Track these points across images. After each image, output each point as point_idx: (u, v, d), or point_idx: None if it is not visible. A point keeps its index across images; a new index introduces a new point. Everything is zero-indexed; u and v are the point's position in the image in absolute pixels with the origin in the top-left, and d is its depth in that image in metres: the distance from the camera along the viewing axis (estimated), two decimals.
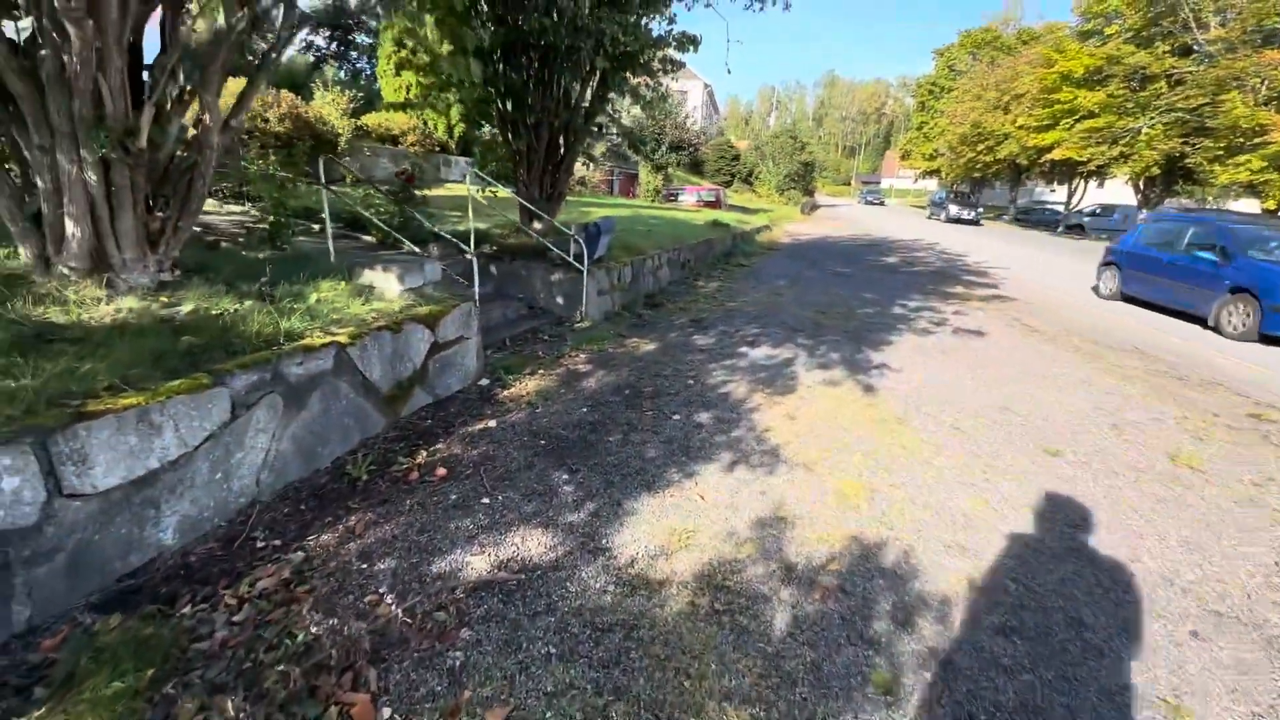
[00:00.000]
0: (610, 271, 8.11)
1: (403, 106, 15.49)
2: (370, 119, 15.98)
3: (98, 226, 3.42)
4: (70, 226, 3.36)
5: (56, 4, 2.71)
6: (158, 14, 3.76)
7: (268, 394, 3.16)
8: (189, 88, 3.68)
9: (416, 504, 3.24)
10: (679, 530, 3.11)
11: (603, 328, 7.21)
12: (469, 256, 5.34)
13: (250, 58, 3.99)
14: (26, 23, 3.11)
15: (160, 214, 3.76)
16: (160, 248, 3.80)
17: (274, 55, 3.80)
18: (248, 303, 3.78)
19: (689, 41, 8.50)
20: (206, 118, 3.63)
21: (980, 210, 35.06)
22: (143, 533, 2.61)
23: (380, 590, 2.57)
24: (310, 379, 3.43)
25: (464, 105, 9.01)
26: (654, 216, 17.16)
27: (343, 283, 4.43)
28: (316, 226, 7.80)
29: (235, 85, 11.24)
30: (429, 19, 5.47)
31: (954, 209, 33.64)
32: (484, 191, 9.51)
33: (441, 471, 3.55)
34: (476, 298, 5.23)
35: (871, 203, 55.38)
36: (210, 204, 8.38)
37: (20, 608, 2.23)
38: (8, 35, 2.95)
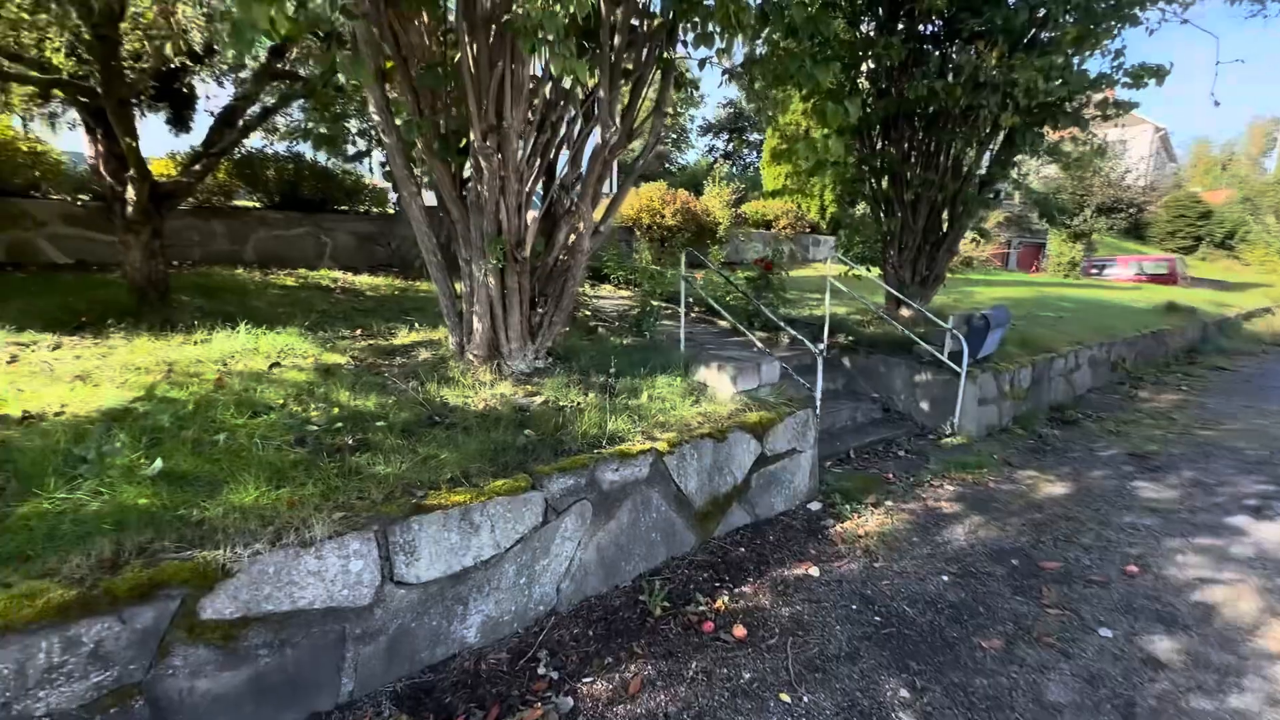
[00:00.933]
0: (1000, 374, 6.36)
1: (776, 194, 16.17)
2: (749, 207, 17.18)
3: (494, 322, 4.00)
4: (476, 322, 4.02)
5: (475, 145, 3.25)
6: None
7: (579, 500, 3.06)
8: (575, 200, 4.12)
9: (701, 672, 2.64)
10: None
11: (982, 449, 5.57)
12: (815, 353, 4.72)
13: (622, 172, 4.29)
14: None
15: (540, 310, 4.24)
16: (537, 339, 4.28)
17: (639, 162, 3.98)
18: (591, 395, 3.90)
19: (1148, 74, 6.29)
20: (581, 225, 3.97)
21: None
22: (450, 627, 2.68)
23: None
24: (623, 487, 3.25)
25: (835, 185, 8.62)
26: (1068, 298, 13.61)
27: (678, 379, 4.31)
28: (683, 310, 8.33)
29: (651, 189, 13.42)
30: (796, 103, 5.26)
31: None
32: (847, 273, 8.87)
33: (740, 632, 2.89)
34: (817, 405, 4.52)
35: None
36: (607, 289, 9.89)
37: (346, 680, 2.43)
38: (452, 170, 3.71)
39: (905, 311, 7.53)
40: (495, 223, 3.55)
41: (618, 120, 3.60)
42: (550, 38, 2.30)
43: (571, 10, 2.28)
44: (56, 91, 5.08)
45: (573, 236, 4.11)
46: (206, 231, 8.23)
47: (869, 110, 6.74)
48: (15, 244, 7.18)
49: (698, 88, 4.51)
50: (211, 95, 6.83)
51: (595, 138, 3.72)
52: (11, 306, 5.04)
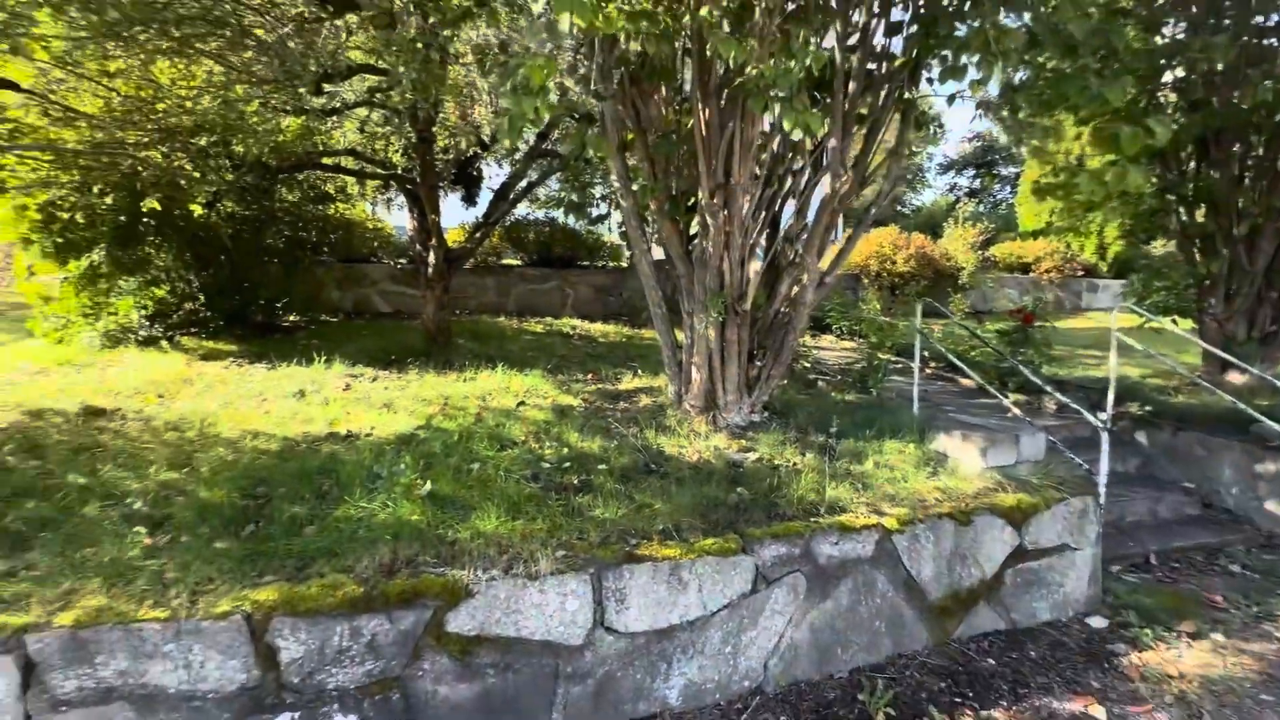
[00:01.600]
0: None
1: (1037, 234, 13.93)
2: (998, 249, 15.09)
3: (711, 373, 4.03)
4: (695, 373, 4.08)
5: (703, 203, 3.35)
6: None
7: (792, 572, 2.84)
8: (800, 252, 4.00)
9: None
10: None
11: None
12: (1098, 425, 3.81)
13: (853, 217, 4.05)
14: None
15: (758, 363, 4.16)
16: (755, 392, 4.18)
17: (873, 210, 3.71)
18: (809, 456, 3.66)
19: None
20: (804, 278, 3.82)
21: None
22: (652, 683, 2.65)
23: None
24: (842, 564, 2.94)
25: (1123, 220, 7.10)
26: None
27: (911, 445, 3.82)
28: (916, 365, 7.53)
29: (882, 234, 12.64)
30: (1070, 129, 4.43)
31: None
32: (1142, 325, 7.14)
33: None
34: (1100, 491, 3.63)
35: None
36: (829, 340, 9.41)
37: (557, 716, 2.53)
38: (680, 228, 3.87)
39: (1235, 377, 5.78)
40: (718, 276, 3.61)
41: (849, 169, 3.43)
42: (782, 94, 2.28)
43: (807, 63, 2.24)
44: (392, 181, 6.63)
45: (795, 288, 3.98)
46: (480, 286, 9.87)
47: (1177, 128, 5.46)
48: (358, 298, 9.42)
49: (941, 125, 4.12)
50: (493, 175, 8.29)
51: (824, 187, 3.58)
52: (351, 345, 6.56)
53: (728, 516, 2.98)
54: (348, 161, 6.18)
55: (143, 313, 6.47)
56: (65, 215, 5.34)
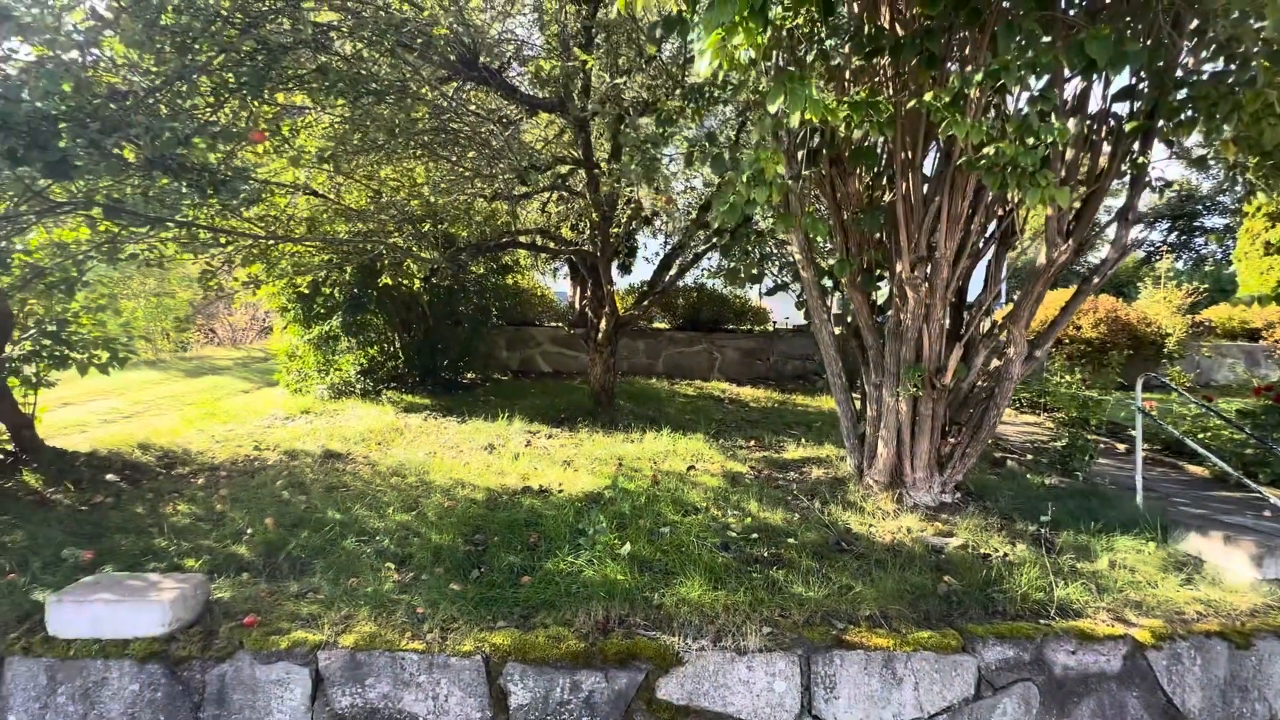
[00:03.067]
0: None
1: (1270, 299, 11.82)
2: (1214, 312, 12.99)
3: (900, 449, 3.83)
4: (880, 447, 3.91)
5: (903, 276, 3.30)
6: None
7: (1022, 681, 2.53)
8: (999, 322, 3.76)
9: None
10: None
11: None
12: None
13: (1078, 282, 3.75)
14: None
15: (952, 439, 3.90)
16: (947, 470, 3.91)
17: (1095, 280, 3.41)
18: (1020, 547, 3.32)
19: None
20: (1011, 350, 3.57)
21: None
22: None
23: None
24: (1083, 679, 2.57)
25: None
26: None
27: (1151, 544, 3.32)
28: (1122, 447, 6.60)
29: (1059, 296, 11.50)
30: None
31: None
32: None
33: None
34: None
35: None
36: (1006, 413, 8.57)
37: None
38: (869, 299, 3.82)
39: None
40: (915, 349, 3.48)
41: (1066, 239, 3.21)
42: (1028, 170, 2.23)
43: (1052, 140, 2.19)
44: (573, 255, 7.32)
45: (995, 361, 3.73)
46: (632, 349, 10.32)
47: None
48: (524, 358, 10.26)
49: (1170, 187, 3.73)
50: (645, 243, 8.83)
51: (1039, 254, 3.38)
52: (524, 402, 7.12)
53: (939, 609, 2.76)
54: (539, 240, 6.92)
55: (358, 369, 7.57)
56: (324, 290, 6.49)
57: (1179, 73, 2.85)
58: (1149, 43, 2.60)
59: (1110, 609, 2.78)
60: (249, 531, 3.33)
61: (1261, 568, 3.01)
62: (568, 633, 2.48)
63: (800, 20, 2.80)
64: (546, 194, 6.91)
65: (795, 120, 2.27)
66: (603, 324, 6.64)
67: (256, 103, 3.06)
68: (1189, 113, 2.70)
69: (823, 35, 2.74)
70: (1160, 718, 2.61)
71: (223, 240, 4.24)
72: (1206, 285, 14.53)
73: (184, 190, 2.99)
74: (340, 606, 2.58)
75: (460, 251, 5.57)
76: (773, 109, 2.28)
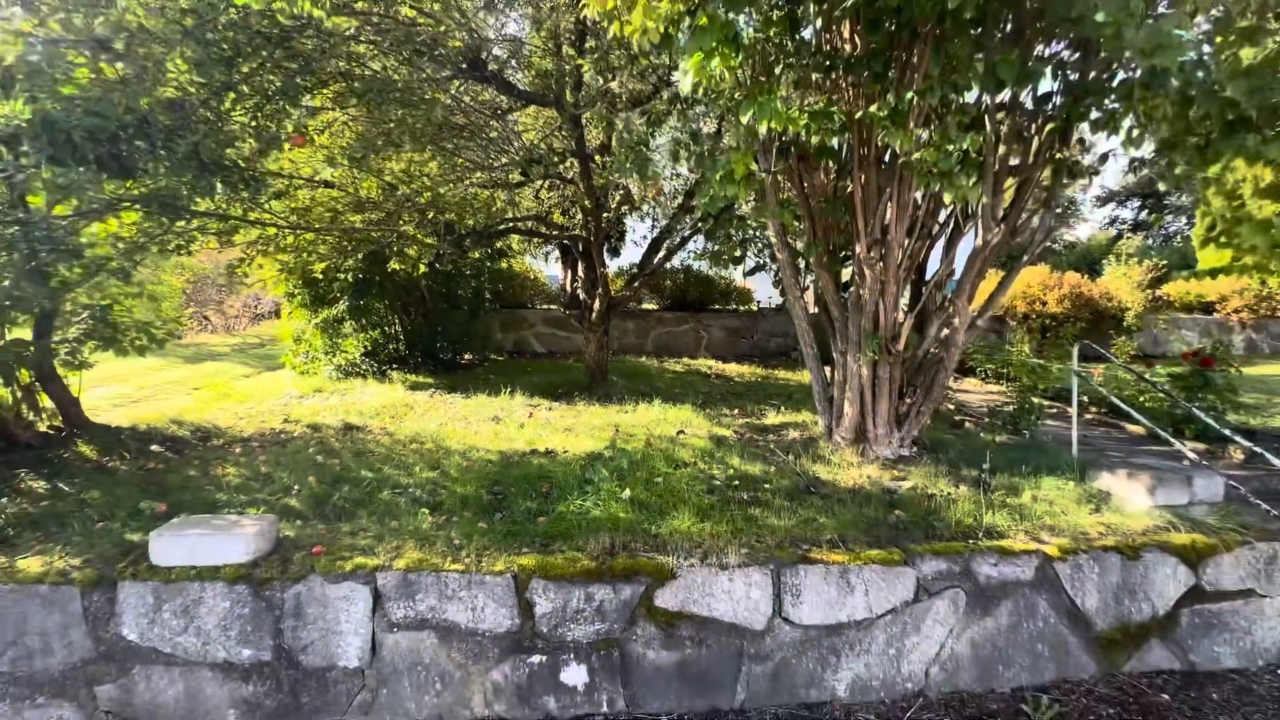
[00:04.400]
0: None
1: (1218, 272, 12.51)
2: (1171, 288, 13.71)
3: (863, 408, 4.38)
4: (846, 407, 4.46)
5: (861, 256, 3.81)
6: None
7: (952, 587, 3.11)
8: (949, 296, 4.30)
9: None
10: None
11: None
12: None
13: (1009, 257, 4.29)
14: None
15: (908, 400, 4.45)
16: (904, 427, 4.47)
17: (1024, 259, 3.95)
18: (962, 488, 3.89)
19: None
20: (956, 321, 4.11)
21: None
22: (823, 674, 3.02)
23: None
24: (1002, 585, 3.15)
25: None
26: None
27: (1070, 483, 3.90)
28: (1073, 410, 7.22)
29: (1030, 273, 12.08)
30: (1240, 169, 4.25)
31: None
32: None
33: None
34: None
35: None
36: (972, 383, 9.18)
37: (740, 690, 2.98)
38: (835, 278, 4.34)
39: None
40: (873, 320, 4.01)
41: (999, 222, 3.73)
42: (944, 171, 2.74)
43: (964, 147, 2.69)
44: (567, 240, 7.75)
45: (945, 330, 4.27)
46: (622, 329, 10.78)
47: None
48: (518, 339, 10.70)
49: (1098, 173, 4.26)
50: (635, 228, 9.26)
51: (975, 236, 3.90)
52: (523, 379, 7.58)
53: (889, 534, 3.32)
54: (536, 226, 7.34)
55: (362, 352, 7.98)
56: (338, 276, 6.89)
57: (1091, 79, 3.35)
58: (1059, 59, 3.09)
59: (1028, 532, 3.36)
60: (296, 488, 3.81)
61: (1154, 497, 3.61)
62: (581, 555, 3.01)
63: (771, 34, 3.26)
64: (540, 182, 7.32)
65: (764, 129, 2.75)
66: (596, 305, 7.12)
67: (292, 109, 3.46)
68: (1094, 114, 3.21)
69: (790, 50, 3.19)
70: (1065, 616, 3.20)
71: (253, 232, 4.63)
72: (1166, 261, 15.26)
73: (219, 187, 3.41)
74: (390, 539, 3.08)
75: (464, 238, 5.99)
76: (744, 119, 2.75)
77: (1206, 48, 3.11)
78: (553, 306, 10.99)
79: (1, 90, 2.49)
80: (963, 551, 3.15)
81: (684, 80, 2.67)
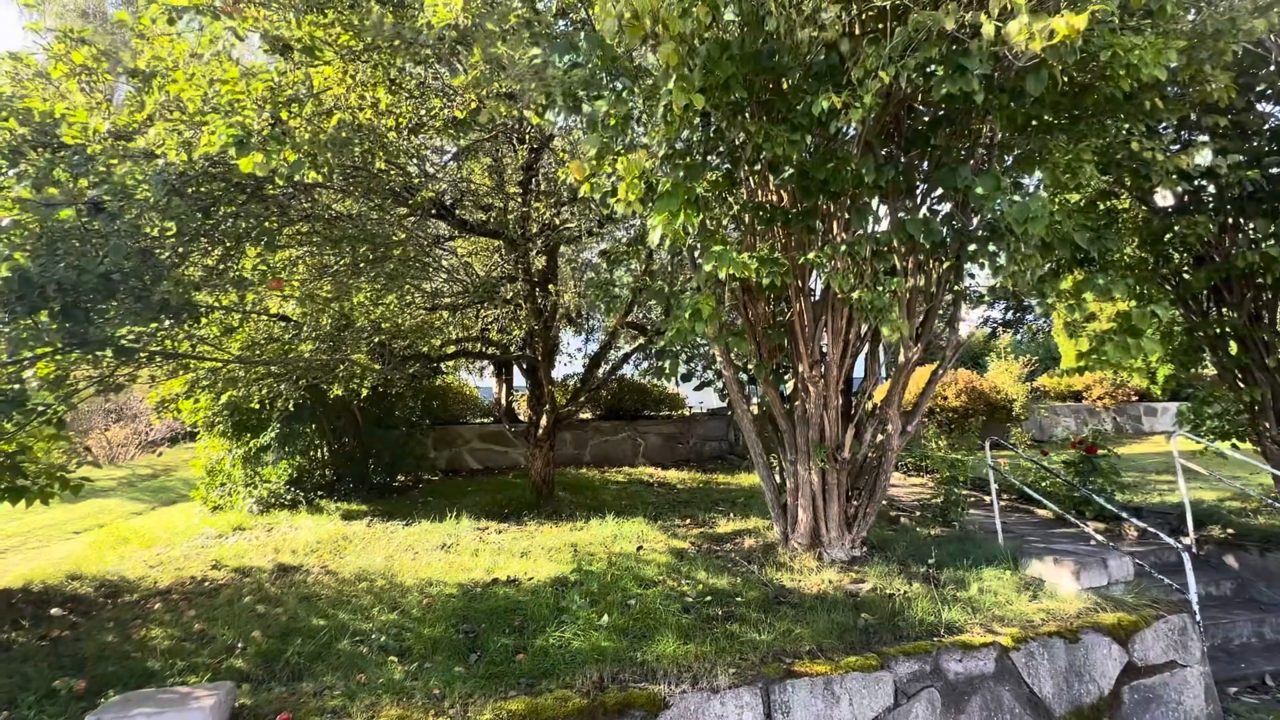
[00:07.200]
0: None
1: (1073, 371, 14.49)
2: (1047, 380, 15.61)
3: (815, 514, 4.65)
4: (800, 514, 4.71)
5: (804, 374, 4.25)
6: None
7: (926, 688, 3.26)
8: (879, 404, 4.78)
9: None
10: None
11: None
12: (1179, 547, 4.18)
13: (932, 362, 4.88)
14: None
15: (855, 503, 4.77)
16: (854, 529, 4.75)
17: (940, 371, 4.54)
18: (915, 585, 4.14)
19: None
20: (890, 427, 4.57)
21: None
22: None
23: None
24: (969, 680, 3.34)
25: (1161, 353, 7.73)
26: None
27: (1007, 572, 4.27)
28: (989, 499, 7.86)
29: (926, 372, 13.39)
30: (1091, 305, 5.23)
31: None
32: (1205, 451, 7.46)
33: None
34: (1194, 610, 3.95)
35: None
36: (897, 477, 9.82)
37: None
38: (780, 393, 4.74)
39: None
40: (819, 431, 4.39)
41: (917, 343, 4.32)
42: (879, 309, 3.24)
43: (893, 289, 3.22)
44: (513, 360, 7.90)
45: (879, 436, 4.71)
46: (561, 440, 10.70)
47: (1190, 278, 6.32)
48: (452, 456, 10.40)
49: (984, 298, 5.06)
50: (569, 341, 9.59)
51: (900, 354, 4.46)
52: (466, 501, 7.35)
53: (861, 639, 3.47)
54: (483, 347, 7.47)
55: (288, 479, 7.49)
56: (276, 404, 6.61)
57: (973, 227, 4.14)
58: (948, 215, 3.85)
59: (982, 624, 3.62)
60: (240, 646, 3.47)
61: (1080, 580, 4.02)
62: (571, 693, 2.92)
63: (715, 193, 3.81)
64: (481, 304, 7.56)
65: (724, 274, 3.17)
66: (543, 420, 7.19)
67: (269, 253, 3.56)
68: (978, 257, 3.94)
69: (732, 204, 3.75)
70: (1026, 705, 3.40)
71: (198, 365, 4.49)
72: (1038, 356, 17.41)
73: (174, 327, 3.39)
74: (362, 697, 2.86)
75: (412, 360, 6.02)
76: (707, 268, 3.17)
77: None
78: (486, 421, 10.86)
79: None
80: (930, 650, 3.34)
81: (653, 234, 3.08)
